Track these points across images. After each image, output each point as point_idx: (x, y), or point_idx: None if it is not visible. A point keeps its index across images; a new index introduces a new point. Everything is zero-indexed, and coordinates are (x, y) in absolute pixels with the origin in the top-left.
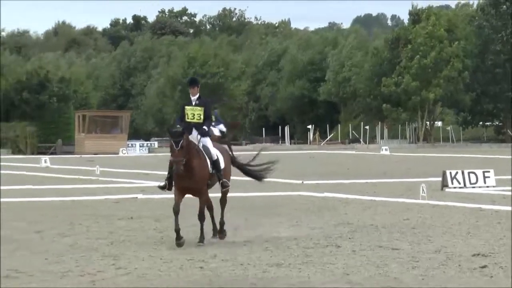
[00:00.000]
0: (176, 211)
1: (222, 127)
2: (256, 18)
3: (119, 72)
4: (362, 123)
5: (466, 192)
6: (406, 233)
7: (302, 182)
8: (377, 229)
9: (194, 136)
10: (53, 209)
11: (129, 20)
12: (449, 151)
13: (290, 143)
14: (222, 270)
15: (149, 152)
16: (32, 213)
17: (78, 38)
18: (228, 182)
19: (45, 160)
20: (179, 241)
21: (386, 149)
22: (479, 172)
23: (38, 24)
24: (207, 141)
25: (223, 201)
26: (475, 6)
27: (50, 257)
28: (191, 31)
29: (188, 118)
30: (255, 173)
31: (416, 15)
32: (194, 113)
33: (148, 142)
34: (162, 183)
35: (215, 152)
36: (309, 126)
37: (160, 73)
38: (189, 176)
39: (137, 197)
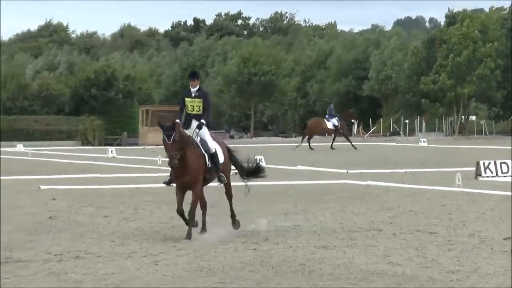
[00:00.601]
0: (180, 212)
1: (335, 121)
2: (305, 20)
3: (179, 70)
4: (402, 117)
5: (498, 181)
6: (443, 219)
7: (347, 171)
8: (415, 214)
9: (193, 127)
10: (119, 195)
11: (190, 22)
12: (482, 143)
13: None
14: (273, 252)
15: None
16: (99, 199)
17: (142, 39)
18: (225, 176)
19: (111, 151)
20: (188, 237)
21: (424, 141)
22: (510, 162)
23: (105, 27)
24: (205, 134)
25: (228, 195)
26: (507, 9)
27: (116, 239)
28: (245, 32)
29: (188, 110)
30: (250, 171)
31: (452, 18)
32: (193, 105)
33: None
34: (167, 179)
35: (213, 145)
36: (353, 120)
37: (217, 72)
38: (184, 170)
39: None
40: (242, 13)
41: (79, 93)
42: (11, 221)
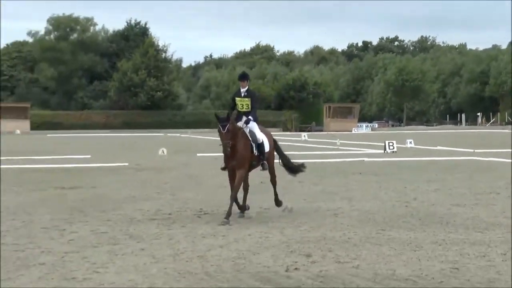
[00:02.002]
0: (235, 199)
1: None
2: (443, 42)
3: (351, 78)
4: None
5: None
6: None
7: (474, 150)
8: None
9: (242, 122)
10: (310, 167)
11: (360, 44)
12: None
13: (465, 125)
14: (420, 207)
15: (372, 130)
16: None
17: (326, 56)
18: (268, 164)
19: (304, 136)
20: (226, 221)
21: None
22: None
23: (299, 45)
24: (254, 127)
25: (272, 181)
26: None
27: (307, 198)
28: (400, 51)
29: (238, 108)
30: (291, 165)
31: None
32: (243, 103)
33: (370, 123)
34: (223, 165)
35: (261, 137)
36: (478, 114)
37: (379, 79)
38: (233, 156)
39: (363, 160)
40: (398, 37)
41: (281, 94)
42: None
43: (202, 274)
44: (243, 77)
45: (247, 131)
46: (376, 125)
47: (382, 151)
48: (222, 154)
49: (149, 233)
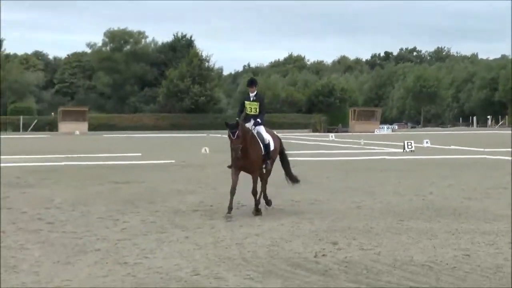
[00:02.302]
0: (232, 193)
1: None
2: (457, 52)
3: (374, 85)
4: None
5: None
6: None
7: (484, 149)
8: None
9: (250, 124)
10: (337, 164)
11: (382, 54)
12: None
13: (476, 127)
14: (435, 201)
15: (392, 131)
16: (323, 166)
17: (351, 65)
18: (271, 164)
19: (331, 136)
20: (229, 215)
21: None
22: None
23: (326, 55)
24: (261, 128)
25: (265, 177)
26: None
27: (334, 192)
28: (418, 60)
29: (247, 111)
30: (290, 174)
31: None
32: (251, 107)
33: (391, 125)
34: (230, 164)
35: (267, 137)
36: (488, 117)
37: (399, 85)
38: (245, 158)
39: (384, 158)
40: (416, 48)
41: (311, 99)
42: (271, 178)
43: (240, 260)
44: (252, 83)
45: (255, 132)
46: (396, 127)
47: (402, 150)
48: (235, 154)
49: (192, 223)
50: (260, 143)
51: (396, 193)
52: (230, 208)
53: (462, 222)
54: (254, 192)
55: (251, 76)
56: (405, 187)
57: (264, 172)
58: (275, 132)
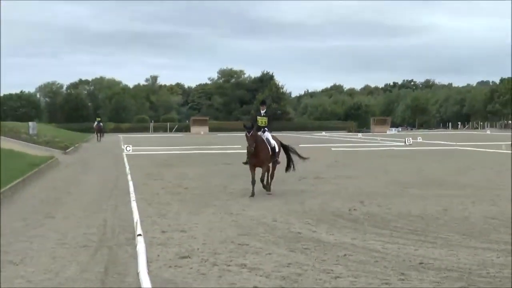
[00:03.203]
0: (253, 182)
1: None
2: (438, 82)
3: (386, 103)
4: None
5: None
6: None
7: (455, 143)
8: None
9: (260, 132)
10: (363, 152)
11: (391, 83)
12: None
13: (450, 129)
14: (427, 175)
15: (397, 132)
16: (355, 154)
17: (372, 90)
18: (279, 160)
19: (359, 135)
20: (252, 196)
21: None
22: None
23: (357, 84)
24: (269, 136)
25: (271, 173)
26: None
27: (363, 170)
28: (414, 87)
29: (258, 123)
30: (298, 154)
31: None
32: (262, 120)
33: (397, 128)
34: (245, 160)
35: (274, 142)
36: (459, 123)
37: (403, 103)
38: (256, 156)
39: (393, 148)
40: (413, 79)
41: (347, 112)
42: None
43: (302, 212)
44: (263, 103)
45: (264, 138)
46: (400, 129)
47: (403, 143)
48: (250, 152)
49: (272, 189)
50: (269, 146)
51: (400, 171)
52: (253, 193)
53: (443, 189)
54: (261, 179)
55: (263, 98)
56: (407, 167)
57: (272, 167)
58: (276, 137)
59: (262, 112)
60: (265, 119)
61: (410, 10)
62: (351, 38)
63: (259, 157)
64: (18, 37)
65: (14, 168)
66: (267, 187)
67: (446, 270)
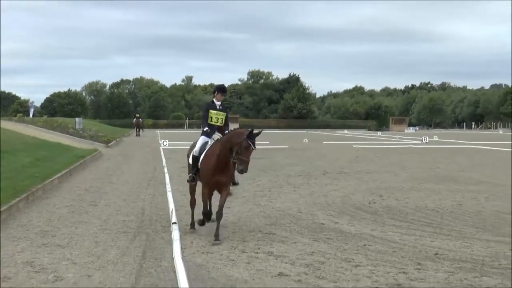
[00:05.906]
0: (208, 214)
1: None
2: (454, 85)
3: (404, 103)
4: None
5: None
6: None
7: (469, 142)
8: None
9: (216, 137)
10: (382, 149)
11: (409, 85)
12: None
13: (465, 129)
14: (441, 172)
15: (415, 131)
16: (374, 150)
17: (391, 92)
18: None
19: (379, 133)
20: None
21: None
22: None
23: (377, 86)
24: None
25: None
26: None
27: (381, 167)
28: (431, 89)
29: (212, 121)
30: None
31: None
32: (218, 117)
33: (414, 127)
34: (189, 178)
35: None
36: (473, 123)
37: (420, 104)
38: (225, 172)
39: (410, 146)
40: (430, 82)
41: (367, 112)
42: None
43: (325, 204)
44: (224, 90)
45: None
46: (417, 128)
47: (420, 141)
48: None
49: (297, 182)
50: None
51: (417, 167)
52: (201, 224)
53: (456, 185)
54: (221, 206)
55: (221, 85)
56: (423, 163)
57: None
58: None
59: (218, 103)
60: (222, 116)
61: (435, 19)
62: (377, 43)
63: (228, 174)
64: (72, 42)
65: (61, 160)
66: (216, 232)
67: (460, 261)
